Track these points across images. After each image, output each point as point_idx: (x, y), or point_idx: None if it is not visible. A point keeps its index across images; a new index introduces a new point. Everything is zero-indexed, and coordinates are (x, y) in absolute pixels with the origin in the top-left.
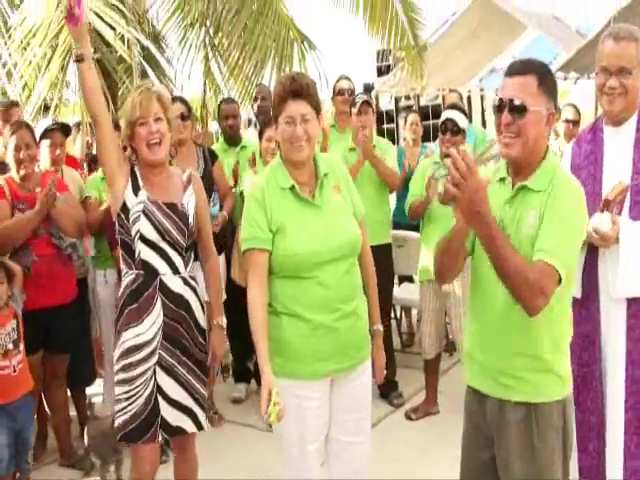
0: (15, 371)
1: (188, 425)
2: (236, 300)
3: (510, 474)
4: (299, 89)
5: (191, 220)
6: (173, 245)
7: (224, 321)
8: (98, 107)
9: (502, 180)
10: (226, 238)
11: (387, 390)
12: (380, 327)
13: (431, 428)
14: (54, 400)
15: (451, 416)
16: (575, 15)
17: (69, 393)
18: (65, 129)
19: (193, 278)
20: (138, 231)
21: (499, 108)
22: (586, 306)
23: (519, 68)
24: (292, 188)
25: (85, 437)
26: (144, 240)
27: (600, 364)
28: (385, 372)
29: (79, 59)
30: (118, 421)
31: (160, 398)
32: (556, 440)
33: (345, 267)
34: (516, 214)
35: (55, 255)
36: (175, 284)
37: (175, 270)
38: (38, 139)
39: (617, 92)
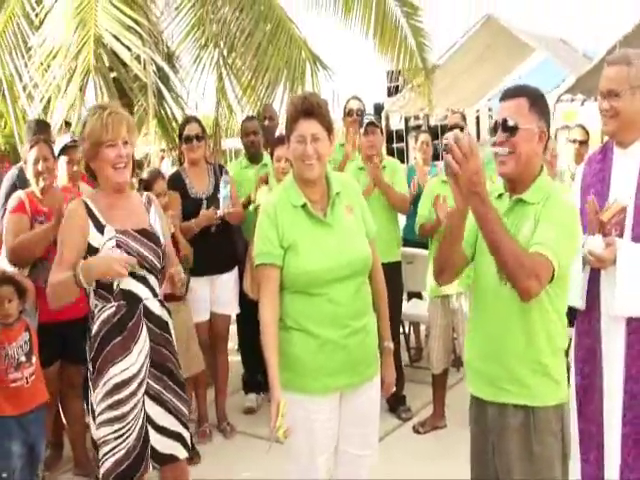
0: (28, 383)
1: (179, 451)
2: (248, 313)
3: (508, 472)
4: (310, 108)
5: (162, 240)
6: (150, 269)
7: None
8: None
9: (500, 196)
10: (239, 253)
11: (395, 404)
12: (390, 344)
13: (439, 441)
14: (71, 410)
15: (458, 430)
16: (582, 39)
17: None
18: None
19: (164, 298)
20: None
21: (494, 129)
22: (588, 319)
23: (512, 92)
24: (304, 206)
25: None
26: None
27: (601, 377)
28: (394, 388)
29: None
30: (107, 464)
31: (150, 428)
32: (555, 445)
33: (356, 285)
34: (513, 225)
35: None
36: (155, 307)
37: (154, 293)
38: (57, 155)
39: (608, 114)
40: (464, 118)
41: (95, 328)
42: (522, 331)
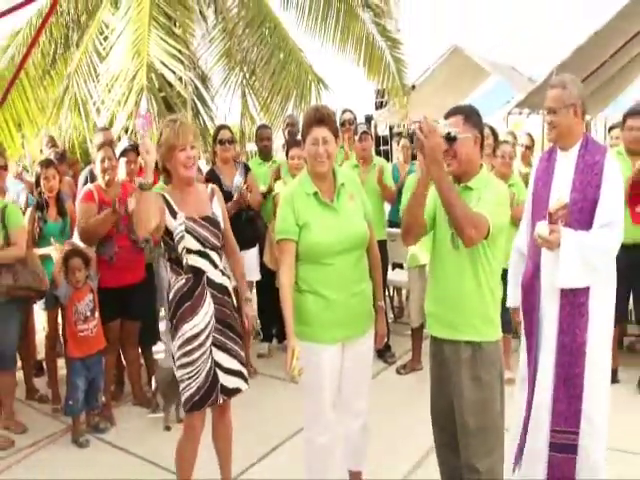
0: (92, 333)
1: (241, 384)
2: (266, 280)
3: (462, 399)
4: (321, 117)
5: (222, 224)
6: (212, 247)
7: (250, 295)
8: (152, 224)
9: None
10: (260, 232)
11: (382, 351)
12: (382, 304)
13: (416, 380)
14: (129, 356)
15: None
16: (528, 65)
17: (140, 350)
18: (137, 149)
19: (226, 267)
20: (184, 246)
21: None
22: (532, 284)
23: (451, 112)
24: (315, 194)
25: (153, 382)
26: (190, 251)
27: (538, 327)
28: (386, 339)
29: (147, 187)
30: (183, 397)
31: (218, 371)
32: (495, 372)
33: (356, 256)
34: None
35: (131, 247)
36: (217, 276)
37: (215, 265)
38: (118, 157)
39: (550, 126)
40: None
41: (171, 295)
42: (471, 284)
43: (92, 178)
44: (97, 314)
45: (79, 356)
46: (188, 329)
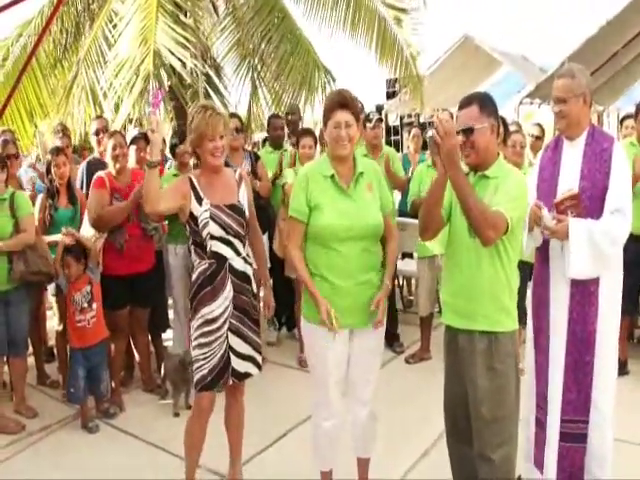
0: (89, 324)
1: (252, 370)
2: (275, 269)
3: (477, 389)
4: (344, 101)
5: (247, 213)
6: (235, 235)
7: (270, 282)
8: (160, 206)
9: (467, 174)
10: (270, 220)
11: (391, 341)
12: (388, 283)
13: (424, 369)
14: (138, 342)
15: (440, 360)
16: (539, 55)
17: (149, 337)
18: (147, 137)
19: (248, 255)
20: (208, 232)
21: (458, 133)
22: (541, 275)
23: (465, 102)
24: (332, 177)
25: (162, 369)
26: (214, 237)
27: (548, 318)
28: (385, 316)
29: (154, 165)
30: (197, 376)
31: (232, 354)
32: (511, 363)
33: (364, 246)
34: (480, 195)
35: (141, 235)
36: (239, 264)
37: (238, 253)
38: (128, 145)
39: (559, 116)
40: (451, 115)
41: (194, 277)
42: (488, 275)
43: (89, 169)
44: (95, 306)
45: (78, 346)
46: (207, 312)
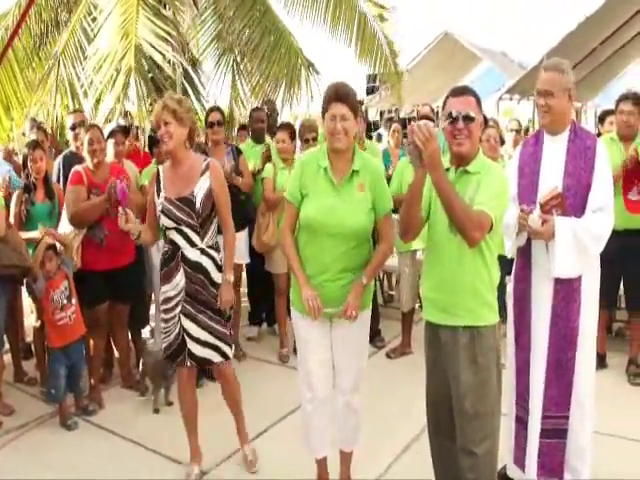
0: (71, 320)
1: (214, 357)
2: (256, 265)
3: (460, 383)
4: (340, 95)
5: (198, 205)
6: (188, 226)
7: (232, 277)
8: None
9: (447, 170)
10: (250, 215)
11: (372, 335)
12: (364, 278)
13: (406, 364)
14: (118, 338)
15: (421, 355)
16: (518, 51)
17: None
18: (125, 131)
19: (212, 247)
20: (162, 223)
21: (455, 119)
22: (523, 272)
23: (462, 90)
24: (325, 168)
25: (141, 366)
26: (167, 228)
27: (530, 314)
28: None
29: (138, 238)
30: (163, 345)
31: (186, 337)
32: (493, 356)
33: (346, 246)
34: (462, 190)
35: (122, 230)
36: (193, 254)
37: (192, 244)
38: (105, 139)
39: (544, 110)
40: (432, 110)
41: (160, 256)
42: (470, 269)
43: (65, 164)
44: (74, 301)
45: (59, 345)
46: (165, 291)
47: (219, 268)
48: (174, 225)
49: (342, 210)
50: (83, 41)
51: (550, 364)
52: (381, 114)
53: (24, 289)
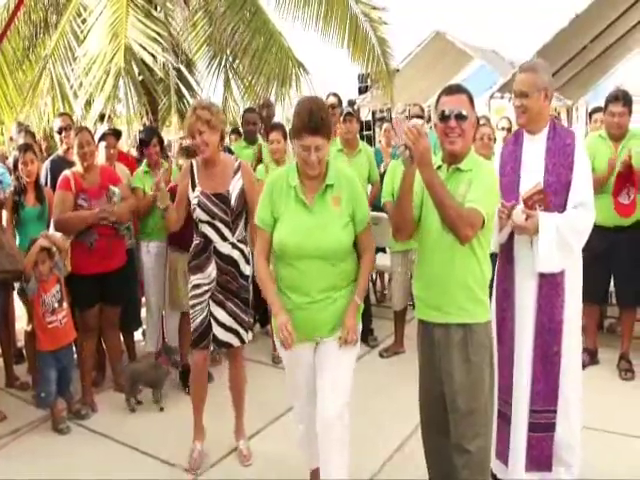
0: (61, 324)
1: (234, 341)
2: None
3: (453, 381)
4: (314, 126)
5: (233, 202)
6: (221, 221)
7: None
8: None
9: (439, 167)
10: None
11: (365, 335)
12: (358, 300)
13: (398, 363)
14: (110, 342)
15: (414, 354)
16: (509, 49)
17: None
18: (117, 134)
19: (241, 241)
20: (197, 216)
21: (447, 117)
22: (505, 268)
23: (455, 88)
24: (295, 187)
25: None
26: (201, 220)
27: (514, 310)
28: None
29: (166, 209)
30: (192, 327)
31: (212, 321)
32: (486, 354)
33: (324, 265)
34: (454, 187)
35: (112, 234)
36: (225, 248)
37: (224, 238)
38: (97, 142)
39: (520, 110)
40: (422, 109)
41: (192, 248)
42: (462, 267)
43: (53, 167)
44: (65, 305)
45: (50, 349)
46: (194, 279)
47: (247, 261)
48: (208, 219)
49: (317, 231)
50: (73, 43)
51: (536, 358)
52: (373, 113)
53: (15, 293)
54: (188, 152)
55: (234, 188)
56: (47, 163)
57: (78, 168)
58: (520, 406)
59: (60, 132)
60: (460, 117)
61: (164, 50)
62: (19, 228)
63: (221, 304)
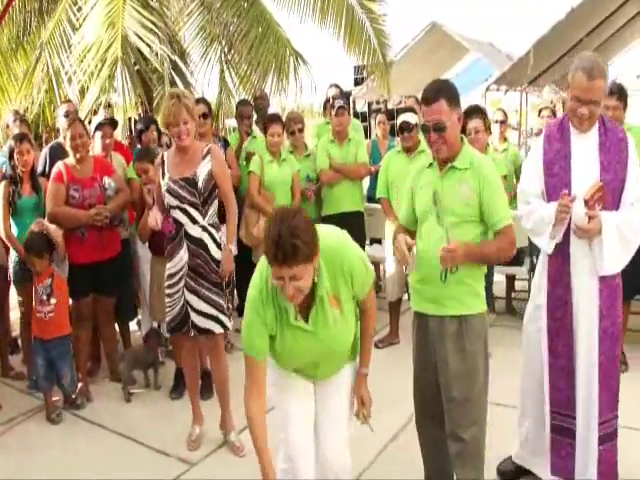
0: (46, 317)
1: (214, 327)
2: (243, 255)
3: (448, 370)
4: (285, 256)
5: (200, 184)
6: (191, 204)
7: (234, 248)
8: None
9: (431, 165)
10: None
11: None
12: (366, 370)
13: (393, 353)
14: (105, 332)
15: (408, 344)
16: (505, 42)
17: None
18: (113, 123)
19: (212, 225)
20: (167, 202)
21: (427, 130)
22: (559, 273)
23: (432, 97)
24: (286, 310)
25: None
26: (171, 206)
27: (571, 319)
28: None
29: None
30: (167, 320)
31: (189, 309)
32: (481, 345)
33: (331, 355)
34: (450, 185)
35: (106, 224)
36: (195, 231)
37: (194, 221)
38: (92, 131)
39: (585, 117)
40: (417, 101)
41: (167, 235)
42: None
43: (52, 154)
44: (53, 301)
45: (37, 335)
46: (169, 267)
47: (218, 245)
48: (177, 203)
49: (321, 346)
50: (68, 31)
51: (602, 366)
52: (369, 105)
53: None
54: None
55: (201, 171)
56: (46, 150)
57: (71, 159)
58: (590, 419)
59: (67, 116)
60: (438, 129)
61: (160, 41)
62: (16, 218)
63: (194, 291)
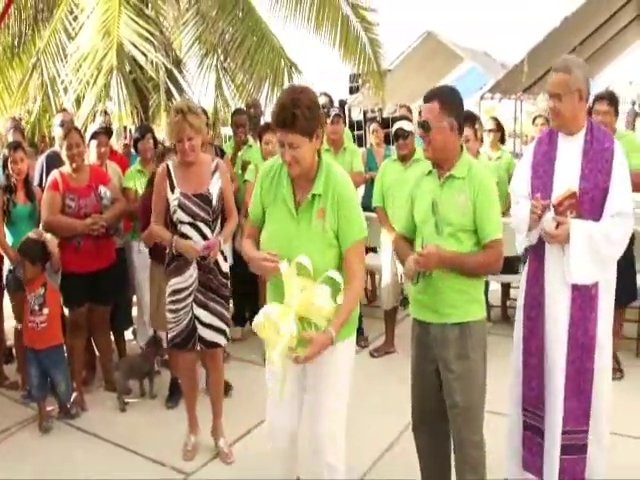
0: (38, 327)
1: (220, 340)
2: (238, 264)
3: (450, 373)
4: (285, 121)
5: (214, 202)
6: (202, 221)
7: (230, 259)
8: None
9: (430, 172)
10: None
11: (356, 335)
12: (332, 330)
13: (389, 363)
14: (100, 341)
15: (404, 353)
16: (500, 51)
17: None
18: (108, 132)
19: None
20: (177, 217)
21: (419, 126)
22: (535, 276)
23: (429, 96)
24: (284, 189)
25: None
26: (181, 222)
27: (543, 321)
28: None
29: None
30: (170, 336)
31: (197, 323)
32: (481, 350)
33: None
34: (450, 195)
35: (102, 233)
36: None
37: (204, 237)
38: (88, 140)
39: (553, 112)
40: (410, 110)
41: (168, 250)
42: (456, 272)
43: (48, 163)
44: (46, 311)
45: (28, 345)
46: (174, 283)
47: (225, 258)
48: (190, 220)
49: (297, 243)
50: (64, 40)
51: (569, 375)
52: (364, 114)
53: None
54: (161, 157)
55: (214, 189)
56: (42, 158)
57: (67, 168)
58: (554, 426)
59: (62, 125)
60: (422, 126)
61: (156, 50)
62: (10, 227)
63: (203, 305)
